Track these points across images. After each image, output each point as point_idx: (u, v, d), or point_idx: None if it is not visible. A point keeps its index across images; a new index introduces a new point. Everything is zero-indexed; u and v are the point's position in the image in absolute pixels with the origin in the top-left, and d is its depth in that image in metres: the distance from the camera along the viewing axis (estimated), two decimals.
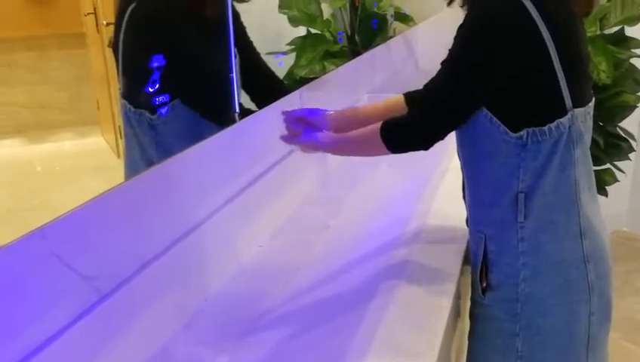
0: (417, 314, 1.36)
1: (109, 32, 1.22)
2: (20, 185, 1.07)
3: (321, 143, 1.57)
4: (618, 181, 3.33)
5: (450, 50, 1.35)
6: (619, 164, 3.32)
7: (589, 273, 1.41)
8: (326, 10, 2.27)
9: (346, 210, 1.94)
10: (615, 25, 3.12)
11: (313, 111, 1.63)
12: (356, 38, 2.50)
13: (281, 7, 2.01)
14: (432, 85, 1.40)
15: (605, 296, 1.45)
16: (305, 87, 1.97)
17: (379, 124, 1.44)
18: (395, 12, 2.88)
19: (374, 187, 2.08)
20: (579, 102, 1.37)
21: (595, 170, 1.49)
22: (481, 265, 1.45)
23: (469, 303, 1.56)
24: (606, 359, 1.52)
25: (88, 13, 1.19)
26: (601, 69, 2.97)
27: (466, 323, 1.60)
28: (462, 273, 1.56)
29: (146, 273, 1.24)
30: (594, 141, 2.99)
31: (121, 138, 1.26)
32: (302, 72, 2.03)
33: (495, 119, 1.34)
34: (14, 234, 0.94)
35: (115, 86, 1.25)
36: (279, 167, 1.82)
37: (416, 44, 3.39)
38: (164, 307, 1.30)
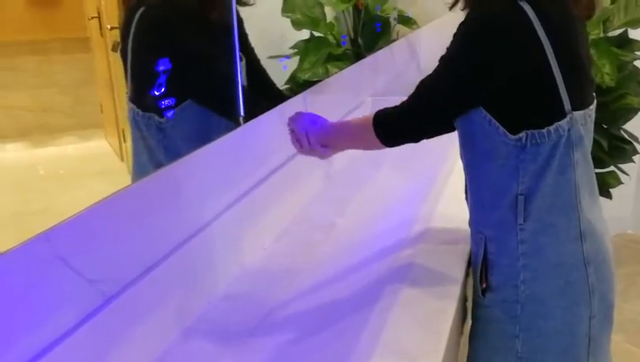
0: (422, 316, 1.36)
1: (112, 36, 1.22)
2: (24, 189, 1.08)
3: (317, 131, 1.57)
4: (622, 183, 3.33)
5: (448, 47, 1.36)
6: (623, 166, 3.32)
7: (590, 276, 1.40)
8: (329, 14, 2.27)
9: (351, 211, 1.94)
10: (619, 27, 3.12)
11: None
12: (359, 41, 2.50)
13: (284, 10, 2.01)
14: (428, 80, 1.40)
15: (607, 299, 1.44)
16: (308, 90, 1.97)
17: (371, 113, 1.47)
18: (398, 15, 2.88)
19: (379, 189, 2.08)
20: (578, 105, 1.37)
21: (599, 173, 1.49)
22: (481, 266, 1.45)
23: (472, 305, 1.56)
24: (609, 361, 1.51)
25: (92, 18, 1.19)
26: (604, 72, 2.97)
27: (468, 325, 1.60)
28: (467, 275, 1.55)
29: (150, 276, 1.24)
30: (598, 143, 2.99)
31: (124, 141, 1.26)
32: (305, 75, 2.03)
33: (494, 121, 1.34)
34: (18, 237, 0.94)
35: (119, 90, 1.25)
36: (284, 170, 1.82)
37: (419, 47, 3.39)
38: (168, 309, 1.30)
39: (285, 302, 1.46)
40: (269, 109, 1.71)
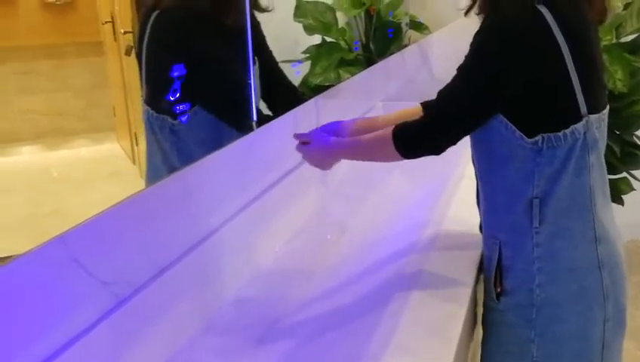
0: (433, 320, 1.35)
1: (126, 41, 1.23)
2: (38, 191, 1.08)
3: (331, 147, 1.56)
4: (634, 190, 3.31)
5: (466, 56, 1.35)
6: (635, 172, 3.30)
7: (604, 279, 1.40)
8: (341, 19, 2.28)
9: (361, 216, 1.94)
10: (631, 33, 3.11)
11: (329, 126, 1.64)
12: (371, 46, 2.50)
13: (296, 15, 2.02)
14: (446, 91, 1.39)
15: (620, 303, 1.44)
16: (320, 95, 1.98)
17: (391, 128, 1.43)
18: (410, 20, 2.88)
19: (389, 194, 2.08)
20: (594, 108, 1.37)
21: (611, 179, 1.49)
22: (496, 270, 1.44)
23: (482, 310, 1.56)
24: None
25: (106, 22, 1.20)
26: (617, 78, 2.96)
27: (479, 330, 1.60)
28: (477, 280, 1.55)
29: (163, 278, 1.24)
30: (610, 149, 2.98)
31: (137, 145, 1.27)
32: (317, 80, 2.04)
33: (510, 125, 1.34)
34: (32, 239, 0.95)
35: (131, 93, 1.26)
36: (295, 174, 1.83)
37: (431, 52, 3.39)
38: (180, 312, 1.30)
39: (296, 306, 1.47)
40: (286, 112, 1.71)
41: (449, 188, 2.04)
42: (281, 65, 1.92)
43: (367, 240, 1.74)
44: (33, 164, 1.11)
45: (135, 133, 1.27)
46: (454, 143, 1.39)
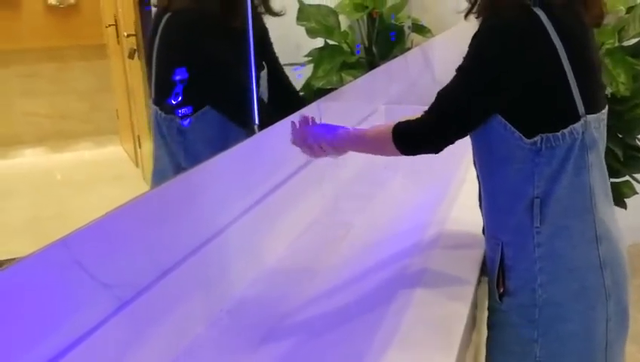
0: (435, 320, 1.36)
1: (129, 44, 1.23)
2: (41, 194, 1.09)
3: (334, 138, 1.57)
4: (637, 193, 3.30)
5: (464, 57, 1.37)
6: (638, 176, 3.30)
7: (606, 279, 1.41)
8: (344, 22, 2.28)
9: (365, 217, 1.94)
10: (634, 37, 3.11)
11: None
12: (374, 49, 2.50)
13: (299, 18, 2.02)
14: (445, 92, 1.40)
15: (622, 303, 1.45)
16: (322, 98, 1.98)
17: (392, 124, 1.46)
18: (412, 24, 2.88)
19: (392, 196, 2.08)
20: (591, 108, 1.38)
21: (613, 183, 1.49)
22: (498, 271, 1.45)
23: (486, 312, 1.56)
24: None
25: (109, 25, 1.20)
26: (619, 81, 2.96)
27: (483, 333, 1.60)
28: (479, 281, 1.55)
29: (166, 281, 1.25)
30: (613, 153, 2.97)
31: (140, 147, 1.27)
32: (319, 83, 2.04)
33: (509, 125, 1.36)
34: (35, 242, 0.95)
35: (135, 96, 1.26)
36: (298, 176, 1.83)
37: (433, 55, 3.39)
38: (184, 314, 1.31)
39: (299, 306, 1.47)
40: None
41: (451, 191, 2.04)
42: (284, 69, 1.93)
43: (370, 240, 1.75)
44: (36, 167, 1.11)
45: (138, 136, 1.28)
46: (452, 143, 1.41)
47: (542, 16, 1.32)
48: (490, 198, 1.48)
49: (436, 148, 1.42)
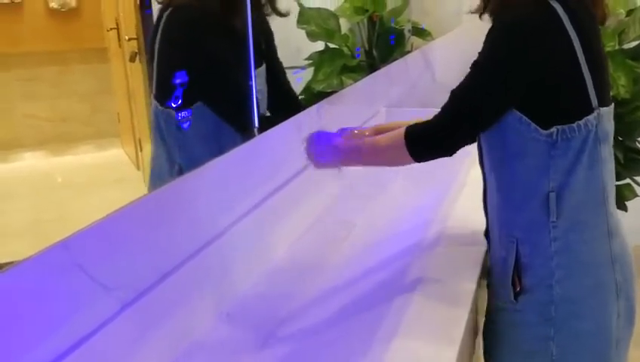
0: (436, 319, 1.36)
1: (130, 47, 1.24)
2: (42, 197, 1.09)
3: (337, 151, 1.56)
4: (638, 196, 3.31)
5: (479, 53, 1.36)
6: (638, 178, 3.30)
7: (617, 274, 1.41)
8: (344, 25, 2.28)
9: (366, 218, 1.95)
10: (634, 40, 3.11)
11: (340, 132, 1.63)
12: (374, 52, 2.51)
13: (299, 22, 2.02)
14: (459, 90, 1.39)
15: (631, 299, 1.45)
16: (323, 101, 1.98)
17: (402, 129, 1.43)
18: (412, 27, 2.89)
19: (393, 197, 2.08)
20: (603, 101, 1.39)
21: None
22: (514, 269, 1.43)
23: (483, 319, 1.56)
24: None
25: (111, 29, 1.21)
26: (620, 84, 2.96)
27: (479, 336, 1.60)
28: (479, 284, 1.55)
29: (167, 283, 1.25)
30: (614, 156, 2.97)
31: (140, 150, 1.27)
32: (320, 87, 2.04)
33: (525, 118, 1.34)
34: (36, 244, 0.95)
35: (136, 99, 1.27)
36: (298, 179, 1.83)
37: (433, 58, 3.40)
38: (185, 316, 1.31)
39: (300, 307, 1.47)
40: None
41: (452, 193, 2.04)
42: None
43: (371, 241, 1.75)
44: (37, 170, 1.12)
45: (139, 139, 1.28)
46: (468, 143, 1.41)
47: (558, 8, 1.32)
48: (502, 196, 1.45)
49: (451, 150, 1.41)
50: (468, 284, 1.50)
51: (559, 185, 1.37)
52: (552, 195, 1.37)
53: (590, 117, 1.35)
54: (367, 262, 1.66)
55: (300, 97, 2.00)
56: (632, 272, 1.47)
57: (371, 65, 2.48)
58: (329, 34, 2.13)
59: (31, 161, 1.10)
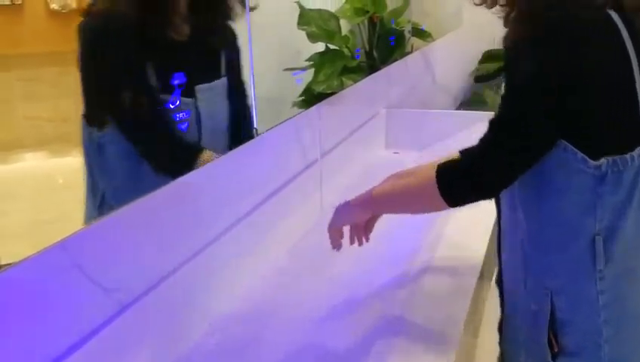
0: (433, 325, 1.36)
1: None
2: (42, 198, 1.09)
3: (359, 197, 1.38)
4: None
5: (513, 70, 1.16)
6: None
7: None
8: (344, 27, 2.29)
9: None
10: None
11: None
12: (374, 53, 2.51)
13: (300, 23, 2.03)
14: (499, 118, 1.15)
15: None
16: (323, 102, 1.98)
17: (433, 169, 1.19)
18: (412, 28, 2.90)
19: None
20: None
21: None
22: (548, 326, 1.21)
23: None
24: None
25: None
26: None
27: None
28: (478, 286, 1.54)
29: (165, 284, 1.25)
30: None
31: None
32: (320, 88, 2.05)
33: (571, 147, 1.13)
34: (36, 245, 0.96)
35: None
36: (296, 182, 1.83)
37: (433, 59, 3.40)
38: (183, 318, 1.31)
39: (295, 311, 1.47)
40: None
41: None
42: (283, 74, 1.93)
43: (369, 245, 1.74)
44: (38, 171, 1.12)
45: None
46: (513, 181, 1.18)
47: (614, 16, 1.13)
48: (534, 238, 1.22)
49: (493, 191, 1.22)
50: (466, 285, 1.49)
51: (608, 226, 1.15)
52: (599, 238, 1.15)
53: None
54: (367, 265, 1.65)
55: (300, 99, 2.00)
56: None
57: (371, 66, 2.48)
58: (329, 35, 2.14)
59: (32, 162, 1.11)
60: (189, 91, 1.29)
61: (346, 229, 1.44)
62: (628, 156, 1.14)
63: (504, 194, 1.28)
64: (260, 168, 1.65)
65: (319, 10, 2.11)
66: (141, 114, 1.23)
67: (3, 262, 0.91)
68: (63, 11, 1.12)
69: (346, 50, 2.21)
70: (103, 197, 1.18)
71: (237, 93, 1.48)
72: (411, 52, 2.94)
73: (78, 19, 1.14)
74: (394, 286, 1.56)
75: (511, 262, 1.30)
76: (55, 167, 1.15)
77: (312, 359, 1.30)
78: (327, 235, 1.44)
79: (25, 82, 1.11)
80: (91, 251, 1.07)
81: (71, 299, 1.04)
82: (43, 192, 1.10)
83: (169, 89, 1.25)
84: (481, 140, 1.16)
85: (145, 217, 1.22)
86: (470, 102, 4.02)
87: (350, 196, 1.42)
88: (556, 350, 1.21)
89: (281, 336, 1.38)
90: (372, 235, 1.46)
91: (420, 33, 2.96)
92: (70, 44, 1.14)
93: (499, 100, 1.18)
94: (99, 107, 1.17)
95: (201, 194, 1.40)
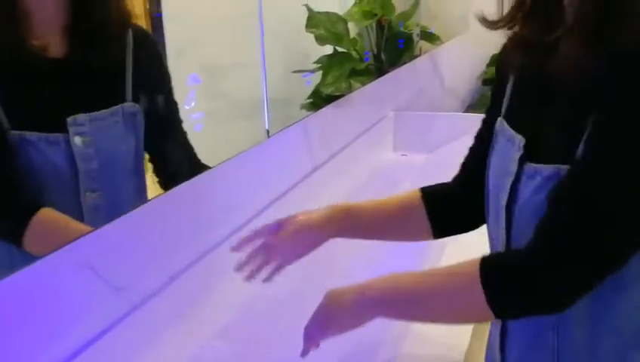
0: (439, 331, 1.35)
1: None
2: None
3: (355, 297, 0.95)
4: None
5: (610, 122, 0.79)
6: None
7: None
8: (353, 29, 2.30)
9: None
10: None
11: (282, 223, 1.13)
12: (382, 56, 2.52)
13: (308, 26, 2.04)
14: (582, 194, 0.80)
15: None
16: (331, 104, 1.99)
17: (475, 262, 0.85)
18: (421, 31, 2.90)
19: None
20: None
21: None
22: None
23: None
24: None
25: None
26: None
27: None
28: None
29: (175, 285, 1.26)
30: None
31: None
32: (328, 90, 2.05)
33: None
34: None
35: None
36: (303, 184, 1.83)
37: (441, 63, 3.40)
38: (193, 318, 1.32)
39: (302, 312, 1.47)
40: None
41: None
42: (291, 76, 1.93)
43: (375, 246, 1.73)
44: None
45: None
46: (596, 286, 0.82)
47: None
48: (607, 331, 0.86)
49: (565, 303, 0.83)
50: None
51: None
52: None
53: None
54: (372, 268, 1.65)
55: (309, 101, 2.01)
56: None
57: (380, 69, 2.49)
58: (338, 38, 2.14)
59: None
60: (57, 124, 1.03)
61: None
62: None
63: None
64: (269, 170, 1.65)
65: (327, 13, 2.12)
66: None
67: None
68: None
69: (354, 53, 2.22)
70: None
71: (159, 120, 1.21)
72: (419, 55, 2.94)
73: None
74: None
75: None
76: None
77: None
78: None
79: None
80: (103, 252, 1.08)
81: (83, 298, 1.05)
82: None
83: (22, 123, 0.99)
84: (550, 228, 0.82)
85: (155, 218, 1.23)
86: (478, 104, 4.02)
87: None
88: None
89: (288, 338, 1.38)
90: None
91: (429, 36, 2.96)
92: None
93: None
94: None
95: (211, 195, 1.40)
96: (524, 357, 0.94)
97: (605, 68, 0.79)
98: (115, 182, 1.14)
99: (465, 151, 1.16)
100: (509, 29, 0.91)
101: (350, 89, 2.13)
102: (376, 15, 2.38)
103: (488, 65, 4.34)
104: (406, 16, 2.64)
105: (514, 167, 0.90)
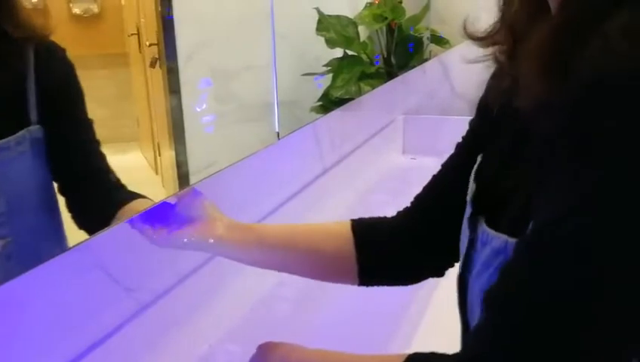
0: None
1: (151, 53, 1.25)
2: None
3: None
4: None
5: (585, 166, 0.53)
6: None
7: None
8: (363, 33, 2.30)
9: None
10: None
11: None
12: (392, 60, 2.52)
13: (318, 29, 2.04)
14: (507, 301, 0.57)
15: None
16: (341, 107, 1.99)
17: (401, 358, 0.66)
18: (431, 35, 2.90)
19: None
20: None
21: None
22: None
23: None
24: None
25: (132, 34, 1.22)
26: None
27: None
28: None
29: (185, 285, 1.26)
30: None
31: (159, 155, 1.29)
32: (338, 93, 2.05)
33: None
34: None
35: (155, 104, 1.28)
36: (313, 187, 1.83)
37: (451, 67, 3.39)
38: (202, 319, 1.32)
39: (310, 314, 1.47)
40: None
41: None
42: (302, 79, 1.94)
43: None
44: None
45: (158, 144, 1.29)
46: None
47: None
48: None
49: None
50: None
51: None
52: None
53: None
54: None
55: (318, 104, 2.01)
56: None
57: (390, 73, 2.49)
58: (348, 41, 2.14)
59: None
60: None
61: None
62: None
63: None
64: (279, 172, 1.66)
65: (338, 16, 2.12)
66: None
67: None
68: (85, 15, 1.13)
69: (364, 56, 2.22)
70: None
71: (68, 143, 1.05)
72: (430, 59, 2.94)
73: (100, 24, 1.16)
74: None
75: None
76: None
77: None
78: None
79: None
80: (113, 252, 1.08)
81: (94, 298, 1.06)
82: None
83: None
84: (487, 330, 0.59)
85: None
86: None
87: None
88: None
89: (298, 338, 1.38)
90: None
91: (439, 40, 2.96)
92: (92, 48, 1.15)
93: None
94: None
95: (221, 196, 1.41)
96: None
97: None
98: (27, 225, 0.96)
99: None
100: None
101: (360, 92, 2.13)
102: (386, 19, 2.38)
103: None
104: (416, 19, 2.64)
105: (466, 228, 0.74)
